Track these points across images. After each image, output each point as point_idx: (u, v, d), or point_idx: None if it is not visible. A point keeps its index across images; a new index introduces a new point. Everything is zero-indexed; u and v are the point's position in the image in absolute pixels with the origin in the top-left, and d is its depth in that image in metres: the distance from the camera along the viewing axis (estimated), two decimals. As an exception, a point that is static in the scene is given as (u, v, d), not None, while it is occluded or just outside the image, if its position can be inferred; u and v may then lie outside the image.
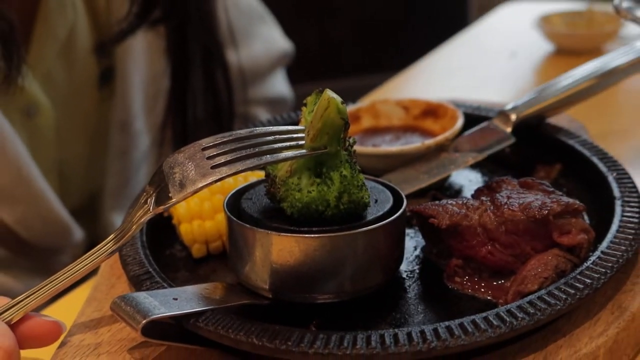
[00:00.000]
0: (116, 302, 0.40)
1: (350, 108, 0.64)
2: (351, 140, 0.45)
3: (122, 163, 0.74)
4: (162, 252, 0.52)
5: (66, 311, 0.48)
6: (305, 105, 0.45)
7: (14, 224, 0.64)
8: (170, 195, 0.42)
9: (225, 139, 0.43)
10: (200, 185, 0.41)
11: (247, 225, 0.43)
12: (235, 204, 0.46)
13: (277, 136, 0.44)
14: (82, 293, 0.51)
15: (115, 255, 0.50)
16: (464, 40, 1.07)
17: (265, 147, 0.43)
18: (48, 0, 0.68)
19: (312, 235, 0.42)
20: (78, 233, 0.70)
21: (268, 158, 0.43)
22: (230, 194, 0.46)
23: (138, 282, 0.45)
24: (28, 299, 0.42)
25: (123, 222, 0.44)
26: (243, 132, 0.44)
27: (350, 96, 0.75)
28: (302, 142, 0.43)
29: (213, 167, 0.42)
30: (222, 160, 0.42)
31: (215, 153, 0.42)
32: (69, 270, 0.42)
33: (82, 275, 0.43)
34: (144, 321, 0.38)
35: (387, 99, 0.65)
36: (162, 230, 0.53)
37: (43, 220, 0.66)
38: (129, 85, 0.74)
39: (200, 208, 0.51)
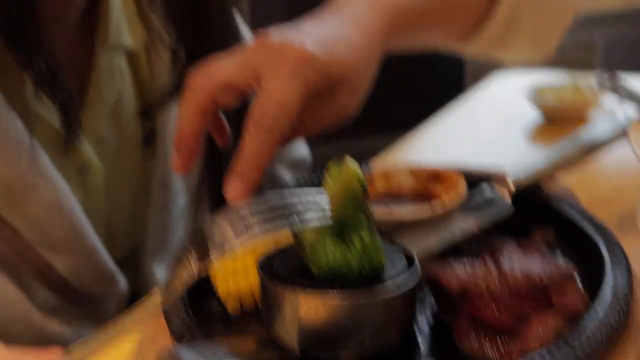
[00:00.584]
0: (162, 356, 0.40)
1: (365, 174, 0.64)
2: (369, 206, 0.45)
3: (162, 217, 0.74)
4: (201, 307, 0.52)
5: None
6: (327, 169, 0.45)
7: (66, 273, 0.64)
8: (210, 255, 0.42)
9: (259, 204, 0.43)
10: (237, 245, 0.41)
11: (278, 285, 0.43)
12: (267, 265, 0.46)
13: (305, 201, 0.44)
14: (130, 346, 0.51)
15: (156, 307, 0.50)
16: (462, 108, 1.08)
17: (294, 213, 0.43)
18: (99, 69, 0.68)
19: (336, 299, 0.42)
20: (122, 282, 0.70)
21: (297, 222, 0.43)
22: (263, 256, 0.47)
23: (179, 336, 0.45)
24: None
25: (168, 283, 0.44)
26: (274, 198, 0.44)
27: (361, 155, 0.75)
28: (327, 208, 0.44)
29: (248, 229, 0.41)
30: (256, 222, 0.42)
31: (251, 217, 0.42)
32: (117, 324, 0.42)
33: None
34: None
35: (396, 166, 0.65)
36: (199, 287, 0.53)
37: (92, 270, 0.66)
38: (169, 147, 0.74)
39: (234, 267, 0.51)
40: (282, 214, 0.43)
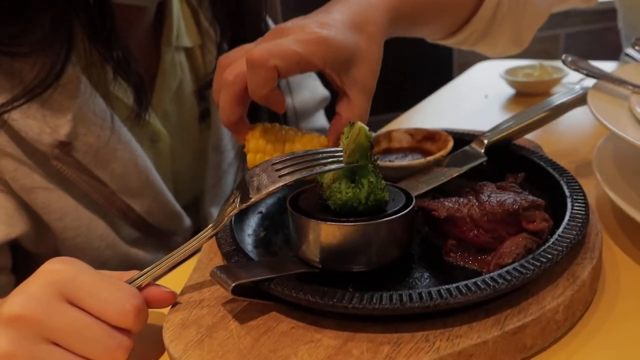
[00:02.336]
0: (214, 271, 0.40)
1: (373, 135, 0.62)
2: (376, 157, 0.43)
3: (215, 172, 0.74)
4: (245, 235, 0.51)
5: (179, 277, 0.48)
6: (343, 133, 0.44)
7: (143, 214, 0.65)
8: (250, 196, 0.41)
9: (288, 157, 0.43)
10: (271, 188, 0.41)
11: (304, 217, 0.42)
12: (295, 202, 0.45)
13: (324, 154, 0.44)
14: (190, 265, 0.50)
15: (212, 238, 0.50)
16: (451, 87, 1.05)
17: (315, 162, 0.43)
18: (164, 63, 0.68)
19: (349, 224, 0.40)
20: (187, 221, 0.70)
21: (317, 169, 0.42)
22: (291, 195, 0.45)
23: (229, 257, 0.44)
24: (153, 269, 0.41)
25: (218, 216, 0.43)
26: (300, 152, 0.43)
27: (369, 127, 0.73)
28: (341, 158, 0.42)
29: (280, 177, 0.41)
30: (286, 172, 0.41)
31: (281, 167, 0.42)
32: (181, 249, 0.42)
33: (191, 252, 0.42)
34: (233, 284, 0.37)
35: (398, 128, 0.63)
36: (245, 221, 0.53)
37: (163, 211, 0.66)
38: (219, 121, 0.74)
39: (265, 147, 0.50)
40: (307, 163, 0.42)
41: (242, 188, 0.43)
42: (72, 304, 0.37)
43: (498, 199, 0.43)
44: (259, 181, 0.42)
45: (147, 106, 0.61)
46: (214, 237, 0.47)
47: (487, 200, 0.43)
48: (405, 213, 0.41)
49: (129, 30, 0.61)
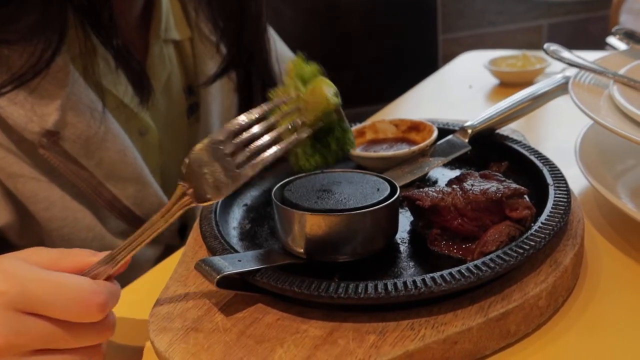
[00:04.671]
0: (198, 263, 0.39)
1: (358, 127, 0.62)
2: (338, 104, 0.39)
3: None
4: (230, 227, 0.51)
5: (164, 271, 0.48)
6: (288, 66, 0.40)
7: (130, 204, 0.64)
8: (208, 196, 0.37)
9: (236, 130, 0.37)
10: (233, 188, 0.37)
11: (289, 208, 0.42)
12: (280, 193, 0.44)
13: (279, 119, 0.39)
14: (174, 258, 0.50)
15: (197, 231, 0.49)
16: (436, 78, 1.05)
17: (273, 134, 0.38)
18: (152, 56, 0.67)
19: (334, 215, 0.40)
20: None
21: (283, 146, 0.38)
22: (276, 187, 0.45)
23: (213, 250, 0.44)
24: (120, 254, 0.38)
25: (167, 206, 0.38)
26: (247, 121, 0.38)
27: (355, 118, 0.73)
28: (298, 117, 0.38)
29: (239, 168, 0.37)
30: (244, 159, 0.37)
31: (234, 149, 0.37)
32: (132, 240, 0.38)
33: (145, 240, 0.38)
34: (218, 277, 0.37)
35: (383, 119, 0.63)
36: (230, 214, 0.52)
37: (150, 202, 0.65)
38: (209, 115, 0.74)
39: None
40: (267, 142, 0.38)
41: (193, 181, 0.37)
42: (34, 314, 0.34)
43: (481, 188, 0.43)
44: (214, 176, 0.37)
45: (149, 93, 0.60)
46: (199, 230, 0.47)
47: (470, 189, 0.43)
48: (390, 203, 0.41)
49: (119, 20, 0.60)
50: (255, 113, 0.39)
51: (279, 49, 0.84)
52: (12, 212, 0.57)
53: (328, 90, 0.38)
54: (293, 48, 0.88)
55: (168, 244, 0.72)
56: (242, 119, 0.39)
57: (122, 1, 0.60)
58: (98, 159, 0.59)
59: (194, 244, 0.49)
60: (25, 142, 0.55)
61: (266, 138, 0.38)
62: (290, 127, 0.39)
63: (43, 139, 0.55)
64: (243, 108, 0.73)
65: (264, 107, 0.39)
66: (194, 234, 0.50)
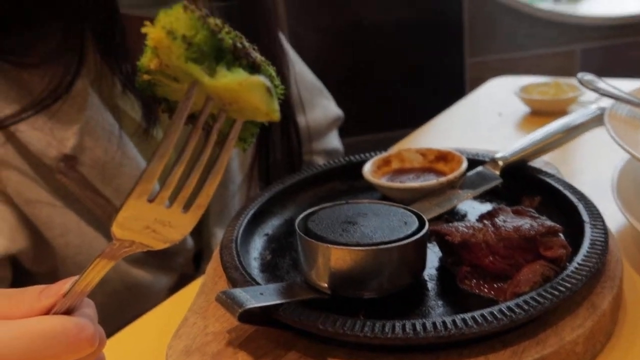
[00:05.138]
0: (220, 296, 0.40)
1: (383, 155, 0.63)
2: (236, 40, 0.28)
3: (221, 192, 0.74)
4: (251, 258, 0.52)
5: (180, 301, 0.48)
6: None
7: None
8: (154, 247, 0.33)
9: (160, 177, 0.31)
10: (187, 233, 0.33)
11: (313, 241, 0.42)
12: (303, 224, 0.45)
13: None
14: (192, 289, 0.51)
15: (216, 260, 0.50)
16: (464, 104, 1.06)
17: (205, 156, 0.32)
18: None
19: (360, 249, 0.41)
20: (189, 241, 0.71)
21: (220, 163, 0.32)
22: (299, 218, 0.46)
23: (234, 281, 0.45)
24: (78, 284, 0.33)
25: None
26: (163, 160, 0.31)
27: (379, 144, 0.74)
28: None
29: (186, 211, 0.33)
30: (184, 202, 0.32)
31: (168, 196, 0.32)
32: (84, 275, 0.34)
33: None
34: (240, 310, 0.38)
35: (409, 148, 0.64)
36: (250, 243, 0.53)
37: None
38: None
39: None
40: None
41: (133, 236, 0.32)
42: None
43: (514, 224, 0.44)
44: (157, 232, 0.32)
45: (155, 121, 0.61)
46: (220, 260, 0.48)
47: (503, 226, 0.44)
48: (418, 237, 0.42)
49: (136, 44, 0.63)
50: (165, 145, 0.32)
51: (299, 70, 0.85)
52: (27, 238, 0.59)
53: (262, 97, 0.28)
54: (314, 69, 0.90)
55: (183, 272, 0.73)
56: (160, 158, 0.32)
57: (139, 24, 0.62)
58: (115, 184, 0.60)
59: (213, 274, 0.50)
60: (43, 167, 0.57)
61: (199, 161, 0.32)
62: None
63: (61, 164, 0.56)
64: (262, 133, 0.74)
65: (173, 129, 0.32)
66: (214, 264, 0.51)
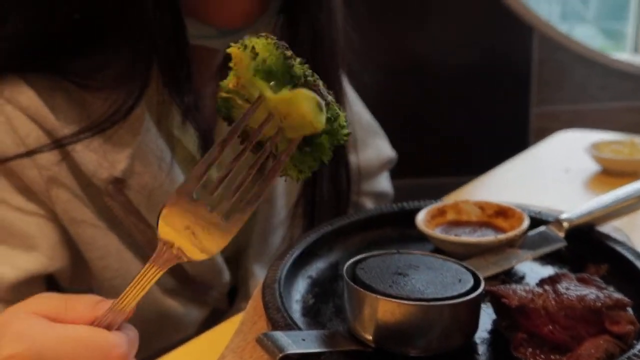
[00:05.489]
0: (261, 337, 0.41)
1: (439, 205, 0.64)
2: (304, 70, 0.35)
3: (264, 227, 0.76)
4: (293, 300, 0.53)
5: (214, 338, 0.50)
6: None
7: (184, 262, 0.67)
8: (196, 257, 0.38)
9: (207, 183, 0.36)
10: (224, 245, 0.37)
11: (361, 289, 0.43)
12: (351, 271, 0.46)
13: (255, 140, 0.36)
14: (231, 326, 0.52)
15: (257, 299, 0.52)
16: (528, 156, 1.05)
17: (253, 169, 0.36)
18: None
19: (410, 303, 0.42)
20: (226, 275, 0.72)
21: (267, 179, 0.36)
22: (348, 263, 0.47)
23: (275, 323, 0.46)
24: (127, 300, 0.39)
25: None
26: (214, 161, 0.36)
27: (433, 193, 0.75)
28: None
29: (226, 219, 0.36)
30: (228, 208, 0.36)
31: (213, 199, 0.36)
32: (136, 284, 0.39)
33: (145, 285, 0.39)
34: (280, 354, 0.39)
35: (467, 200, 0.65)
36: (293, 285, 0.55)
37: (205, 262, 0.68)
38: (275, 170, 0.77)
39: None
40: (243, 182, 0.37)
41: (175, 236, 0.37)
42: None
43: (578, 293, 0.43)
44: (196, 235, 0.37)
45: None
46: (261, 300, 0.49)
47: (565, 293, 0.44)
48: (473, 297, 0.42)
49: (197, 73, 0.66)
50: (218, 150, 0.37)
51: (357, 110, 0.88)
52: (67, 257, 0.62)
53: (311, 107, 0.33)
54: (372, 106, 0.93)
55: (215, 307, 0.75)
56: (209, 160, 0.37)
57: (201, 54, 0.66)
58: (159, 211, 0.63)
59: (253, 314, 0.51)
60: (92, 188, 0.60)
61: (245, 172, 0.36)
62: (272, 151, 0.36)
63: (110, 186, 0.60)
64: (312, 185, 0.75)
65: (227, 139, 0.37)
66: (254, 303, 0.53)
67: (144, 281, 0.39)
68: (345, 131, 0.37)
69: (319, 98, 0.33)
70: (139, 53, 0.56)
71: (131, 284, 0.39)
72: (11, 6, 0.58)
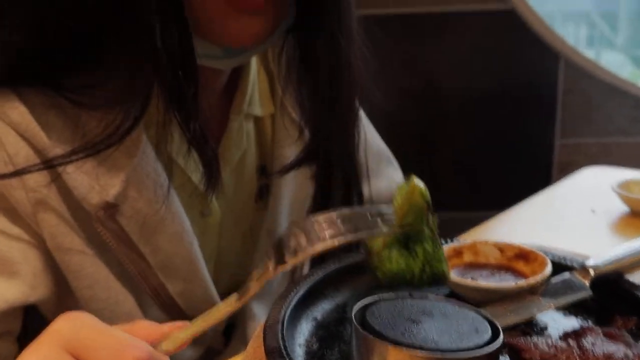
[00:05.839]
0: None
1: (455, 245, 0.64)
2: (433, 218, 0.45)
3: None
4: (296, 344, 0.52)
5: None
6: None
7: (176, 295, 0.67)
8: (285, 260, 0.43)
9: (334, 216, 0.44)
10: (309, 252, 0.42)
11: (370, 336, 0.43)
12: (361, 315, 0.46)
13: (374, 214, 0.45)
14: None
15: (257, 340, 0.52)
16: (550, 193, 1.05)
17: (364, 224, 0.43)
18: (230, 131, 0.72)
19: (423, 354, 0.41)
20: None
21: (364, 232, 0.43)
22: (357, 307, 0.47)
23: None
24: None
25: (247, 281, 0.46)
26: (347, 211, 0.45)
27: (448, 228, 0.75)
28: (393, 220, 0.44)
29: (321, 239, 0.42)
30: (329, 234, 0.43)
31: (325, 227, 0.43)
32: (203, 318, 0.47)
33: (213, 323, 0.47)
34: (282, 405, 0.39)
35: (486, 240, 0.64)
36: (297, 327, 0.54)
37: (199, 296, 0.68)
38: (279, 203, 0.76)
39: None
40: (352, 225, 0.43)
41: (277, 248, 0.44)
42: None
43: (605, 350, 0.43)
44: (296, 242, 0.43)
45: (216, 182, 0.63)
46: (262, 342, 0.49)
47: (591, 349, 0.43)
48: (491, 350, 0.42)
49: (201, 95, 0.66)
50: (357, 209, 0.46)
51: (369, 137, 0.88)
52: (51, 286, 0.61)
53: (419, 189, 0.43)
54: (385, 128, 0.93)
55: (210, 346, 0.74)
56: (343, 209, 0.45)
57: (205, 75, 0.66)
58: (153, 241, 0.63)
59: (253, 355, 0.51)
60: (82, 213, 0.60)
61: (356, 223, 0.43)
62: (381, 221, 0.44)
63: (100, 212, 0.59)
64: (318, 199, 0.75)
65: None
66: (254, 344, 0.53)
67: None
68: (441, 269, 0.45)
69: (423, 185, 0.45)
70: (140, 71, 0.56)
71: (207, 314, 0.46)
72: (5, 17, 0.58)
